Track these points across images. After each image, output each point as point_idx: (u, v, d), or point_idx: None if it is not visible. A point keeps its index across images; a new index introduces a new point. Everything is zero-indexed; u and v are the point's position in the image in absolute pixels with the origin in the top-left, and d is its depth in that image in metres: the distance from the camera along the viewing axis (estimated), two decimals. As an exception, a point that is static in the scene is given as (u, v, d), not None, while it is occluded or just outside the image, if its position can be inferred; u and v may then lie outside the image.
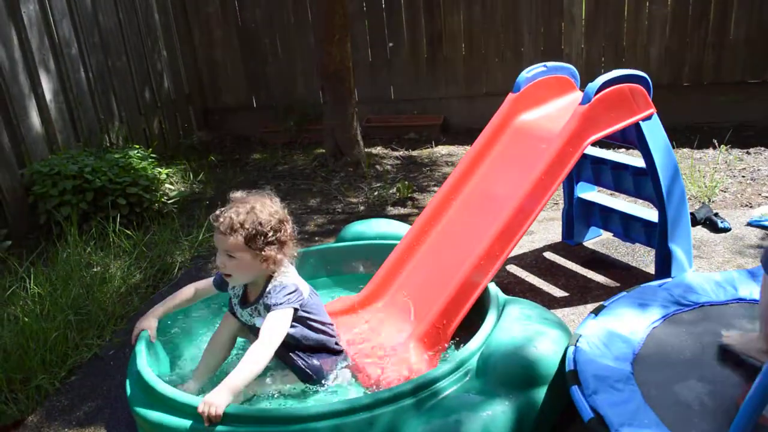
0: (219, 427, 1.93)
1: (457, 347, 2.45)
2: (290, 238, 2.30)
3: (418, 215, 2.94)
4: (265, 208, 2.24)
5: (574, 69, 3.14)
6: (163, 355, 2.52)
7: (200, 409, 1.93)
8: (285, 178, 5.00)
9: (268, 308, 2.22)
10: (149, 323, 2.44)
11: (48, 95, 4.56)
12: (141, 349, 2.32)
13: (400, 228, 3.14)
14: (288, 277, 2.32)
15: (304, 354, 2.34)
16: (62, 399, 2.59)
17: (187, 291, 2.51)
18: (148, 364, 2.23)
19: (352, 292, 2.94)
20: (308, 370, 2.33)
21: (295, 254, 2.36)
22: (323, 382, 2.35)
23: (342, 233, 3.23)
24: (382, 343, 2.56)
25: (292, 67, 6.23)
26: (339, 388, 2.38)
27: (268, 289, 2.27)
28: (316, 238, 3.88)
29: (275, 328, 2.18)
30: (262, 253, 2.20)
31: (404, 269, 2.85)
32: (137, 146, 4.77)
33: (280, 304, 2.22)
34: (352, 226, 3.23)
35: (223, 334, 2.44)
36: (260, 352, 2.09)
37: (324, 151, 5.29)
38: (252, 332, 2.38)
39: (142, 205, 4.18)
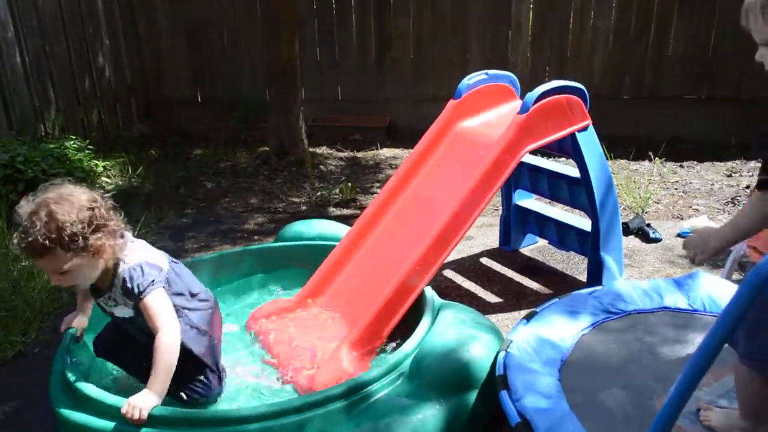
0: (144, 430, 1.89)
1: (393, 351, 2.46)
2: (108, 218, 2.00)
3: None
4: (61, 204, 1.92)
5: (515, 77, 3.20)
6: (89, 354, 2.45)
7: (124, 411, 1.89)
8: (227, 175, 4.93)
9: (132, 296, 2.03)
10: (80, 321, 2.30)
11: (-22, 80, 4.39)
12: (65, 348, 2.24)
13: (339, 229, 3.14)
14: (136, 253, 2.09)
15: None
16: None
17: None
18: (72, 363, 2.17)
19: (290, 292, 2.92)
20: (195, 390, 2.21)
21: (123, 226, 2.08)
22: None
23: (281, 233, 3.20)
24: (316, 345, 2.55)
25: (239, 63, 6.15)
26: (268, 390, 2.36)
27: (122, 276, 2.04)
28: (256, 237, 3.84)
29: (161, 310, 2.03)
30: (90, 249, 1.95)
31: (342, 271, 2.85)
32: (74, 137, 4.65)
33: (146, 289, 2.02)
34: (291, 225, 3.21)
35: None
36: (167, 342, 1.98)
37: (268, 149, 5.24)
38: (113, 319, 2.21)
39: (75, 198, 4.06)
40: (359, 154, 5.47)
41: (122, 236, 2.06)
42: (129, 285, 2.02)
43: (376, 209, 2.94)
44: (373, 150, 5.56)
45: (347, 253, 2.87)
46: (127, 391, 2.26)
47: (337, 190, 4.51)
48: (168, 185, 4.79)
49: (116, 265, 2.06)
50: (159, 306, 2.03)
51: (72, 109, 5.38)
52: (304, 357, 2.47)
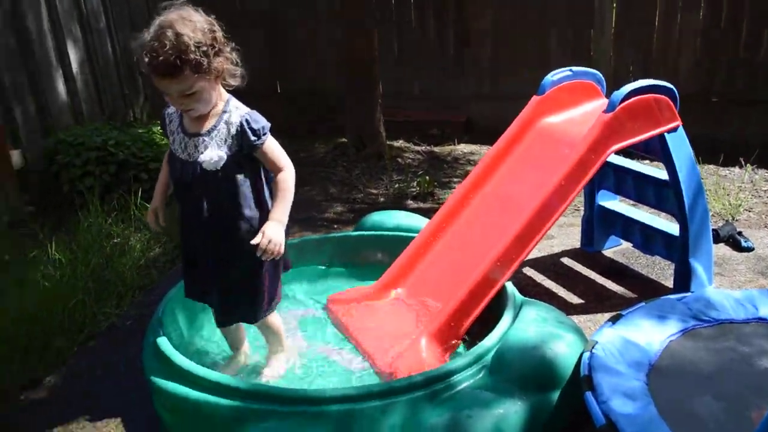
0: (229, 403, 1.94)
1: (469, 346, 2.45)
2: (224, 42, 2.02)
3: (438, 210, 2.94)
4: (186, 24, 1.91)
5: (600, 75, 3.12)
6: (183, 327, 2.54)
7: (259, 241, 1.96)
8: (306, 165, 5.00)
9: (247, 139, 2.01)
10: (156, 205, 2.24)
11: (75, 66, 4.59)
12: (158, 320, 2.33)
13: (419, 221, 3.14)
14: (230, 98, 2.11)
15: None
16: (79, 363, 2.63)
17: (165, 160, 2.22)
18: (164, 335, 2.25)
19: (367, 282, 2.94)
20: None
21: (234, 54, 2.07)
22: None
23: (361, 222, 3.24)
24: (395, 333, 2.57)
25: (318, 56, 6.23)
26: (347, 373, 2.39)
27: (238, 119, 2.02)
28: (335, 226, 3.89)
29: (281, 152, 2.10)
30: (213, 72, 1.97)
31: (420, 263, 2.85)
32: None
33: (266, 132, 2.05)
34: (371, 216, 3.24)
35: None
36: (290, 177, 2.08)
37: (346, 141, 5.30)
38: (189, 176, 2.06)
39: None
40: (436, 149, 5.46)
41: (237, 65, 2.07)
42: (250, 126, 2.01)
43: (456, 203, 2.93)
44: (450, 145, 5.54)
45: (426, 245, 2.87)
46: (214, 363, 2.36)
47: (415, 184, 4.52)
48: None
49: (226, 105, 2.06)
50: (278, 148, 2.10)
51: (158, 97, 5.55)
52: (384, 344, 2.49)
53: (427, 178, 4.53)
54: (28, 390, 2.47)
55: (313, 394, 1.95)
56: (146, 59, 1.88)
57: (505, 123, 3.02)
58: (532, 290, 3.12)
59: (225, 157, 2.01)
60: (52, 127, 4.32)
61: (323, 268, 3.05)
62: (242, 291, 2.18)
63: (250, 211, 2.09)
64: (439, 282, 2.72)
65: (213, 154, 2.01)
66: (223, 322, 2.31)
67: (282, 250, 2.01)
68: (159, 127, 4.51)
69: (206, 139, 2.02)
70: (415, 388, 1.96)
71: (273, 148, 2.07)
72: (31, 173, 4.13)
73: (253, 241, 1.97)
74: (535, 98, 3.01)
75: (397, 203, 4.25)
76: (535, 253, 3.43)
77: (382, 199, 4.36)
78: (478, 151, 5.42)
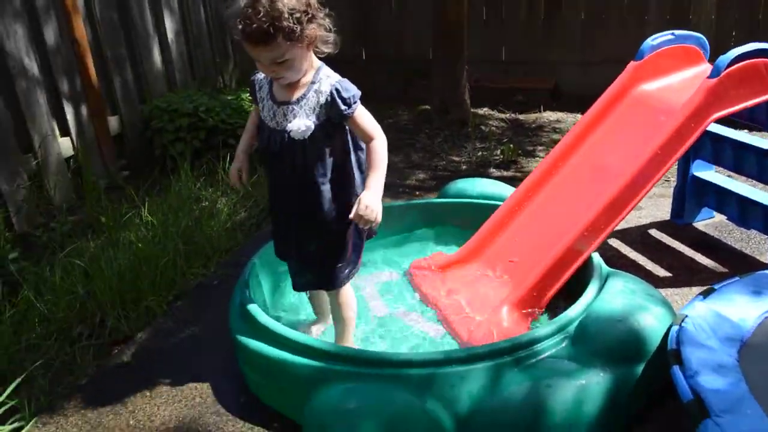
0: (314, 364, 1.99)
1: (552, 317, 2.42)
2: (318, 8, 1.98)
3: (522, 179, 2.89)
4: None
5: (704, 39, 2.97)
6: (268, 288, 2.62)
7: (361, 212, 1.92)
8: (389, 131, 4.94)
9: (337, 109, 1.96)
10: (239, 165, 2.25)
11: (170, 36, 4.74)
12: (245, 281, 2.41)
13: (503, 189, 3.11)
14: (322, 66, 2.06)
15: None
16: (168, 321, 2.76)
17: (251, 120, 2.26)
18: (251, 295, 2.33)
19: (450, 248, 2.94)
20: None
21: (328, 20, 2.02)
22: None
23: (444, 189, 3.23)
24: (476, 301, 2.57)
25: (403, 22, 6.19)
26: (427, 337, 2.41)
27: (329, 87, 1.98)
28: (417, 193, 3.90)
29: (372, 120, 2.04)
30: (306, 39, 1.93)
31: (505, 231, 2.83)
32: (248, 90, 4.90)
33: (357, 101, 2.00)
34: (455, 183, 3.22)
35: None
36: (382, 147, 2.02)
37: (429, 108, 5.27)
38: (277, 144, 2.05)
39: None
40: (521, 116, 5.35)
41: (329, 31, 2.02)
42: (340, 96, 1.97)
43: (544, 171, 2.87)
44: (536, 113, 5.42)
45: (511, 213, 2.84)
46: (298, 324, 2.42)
47: (499, 152, 4.46)
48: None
49: (316, 74, 2.03)
50: (369, 116, 2.03)
51: (247, 63, 5.67)
52: (465, 311, 2.50)
53: (511, 146, 4.46)
54: (120, 345, 2.61)
55: (395, 357, 1.98)
56: (239, 26, 1.85)
57: (595, 89, 2.93)
58: (617, 262, 3.04)
59: (312, 126, 1.99)
60: (147, 94, 4.50)
61: (406, 234, 3.06)
62: (323, 257, 2.19)
63: (337, 180, 2.08)
64: (523, 251, 2.69)
65: (301, 123, 1.99)
66: (300, 286, 2.34)
67: (380, 219, 1.96)
68: (247, 94, 4.62)
69: (295, 107, 2.01)
70: (496, 354, 1.96)
71: (363, 116, 2.02)
72: (127, 139, 4.32)
73: (351, 214, 1.94)
74: (632, 64, 2.90)
75: (479, 171, 4.21)
76: (622, 225, 3.29)
77: (464, 167, 4.33)
78: (565, 119, 5.28)
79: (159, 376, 2.41)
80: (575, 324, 2.12)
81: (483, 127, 5.03)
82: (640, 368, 2.05)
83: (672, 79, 2.91)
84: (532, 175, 2.89)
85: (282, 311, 2.61)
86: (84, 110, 3.97)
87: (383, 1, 6.20)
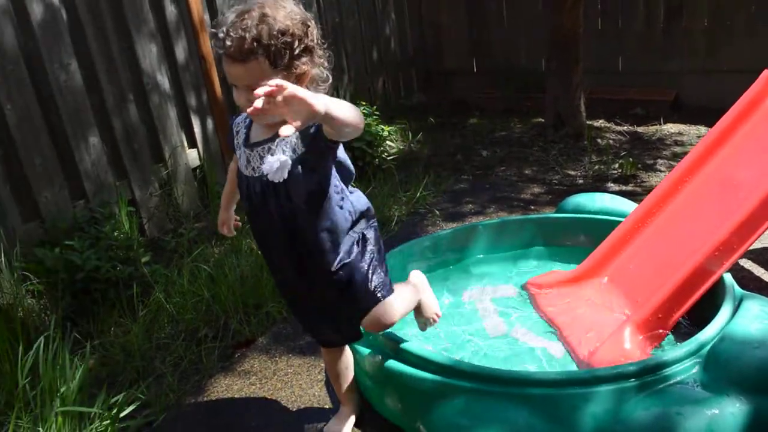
0: (430, 377, 1.98)
1: (679, 340, 2.31)
2: (317, 44, 1.70)
3: (642, 194, 2.78)
4: (277, 9, 1.62)
5: None
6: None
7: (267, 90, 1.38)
8: (501, 144, 4.97)
9: (306, 135, 1.67)
10: (223, 218, 2.12)
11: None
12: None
13: (624, 205, 3.00)
14: None
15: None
16: (287, 326, 2.84)
17: (231, 170, 2.02)
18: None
19: (567, 265, 2.87)
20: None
21: (326, 64, 1.75)
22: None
23: (562, 204, 3.15)
24: (596, 321, 2.49)
25: (516, 34, 6.14)
26: (546, 356, 2.35)
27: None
28: (532, 207, 3.83)
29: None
30: (294, 71, 1.65)
31: (626, 249, 2.73)
32: (363, 102, 4.99)
33: None
34: (573, 197, 3.14)
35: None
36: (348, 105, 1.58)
37: (543, 120, 5.18)
38: (255, 194, 1.75)
39: (364, 159, 4.37)
40: (640, 129, 5.16)
41: (326, 77, 1.75)
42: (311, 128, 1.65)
43: (669, 186, 2.75)
44: (655, 125, 5.20)
45: (634, 230, 2.74)
46: (405, 335, 2.42)
47: (617, 165, 4.31)
48: (445, 152, 4.98)
49: None
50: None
51: (361, 77, 5.80)
52: (586, 330, 2.42)
53: (630, 159, 4.30)
54: (242, 348, 2.71)
55: (516, 375, 1.94)
56: (220, 36, 1.60)
57: (721, 100, 2.79)
58: (750, 284, 2.85)
59: (288, 160, 1.67)
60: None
61: (523, 249, 3.01)
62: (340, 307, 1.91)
63: (330, 222, 1.76)
64: (646, 269, 2.59)
65: (273, 159, 1.67)
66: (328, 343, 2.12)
67: (287, 94, 1.39)
68: (361, 107, 4.71)
69: (271, 145, 1.69)
70: (622, 377, 1.88)
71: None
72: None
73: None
74: (766, 72, 2.73)
75: (596, 186, 4.09)
76: (756, 244, 3.12)
77: (580, 181, 4.22)
78: (687, 132, 5.04)
79: (278, 379, 2.49)
80: (707, 348, 2.01)
81: (599, 140, 4.88)
82: (782, 400, 1.91)
83: (812, 90, 2.72)
84: (656, 190, 2.78)
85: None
86: (210, 123, 4.18)
87: (496, 13, 6.17)
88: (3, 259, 2.87)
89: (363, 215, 1.88)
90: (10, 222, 3.06)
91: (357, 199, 1.88)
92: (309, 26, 1.68)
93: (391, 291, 1.89)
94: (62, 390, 2.14)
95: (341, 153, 1.79)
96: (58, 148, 3.33)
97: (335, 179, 1.78)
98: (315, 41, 1.70)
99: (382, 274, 1.89)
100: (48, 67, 3.24)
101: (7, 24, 3.07)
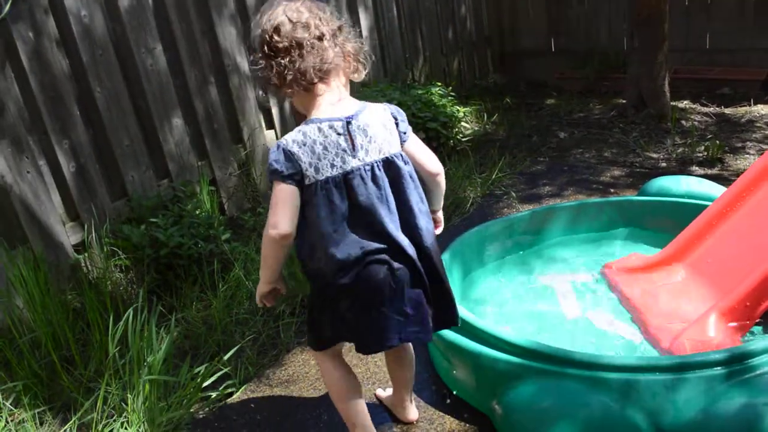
0: (505, 358, 1.97)
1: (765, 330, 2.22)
2: (287, 49, 1.64)
3: (729, 178, 2.67)
4: (267, 10, 1.68)
5: None
6: (458, 278, 2.65)
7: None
8: (579, 126, 4.85)
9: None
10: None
11: (364, 32, 4.92)
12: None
13: (712, 189, 2.88)
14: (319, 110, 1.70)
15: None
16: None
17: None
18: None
19: (648, 250, 2.79)
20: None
21: (326, 66, 1.67)
22: None
23: (645, 187, 3.06)
24: (680, 307, 2.41)
25: (596, 12, 5.95)
26: (623, 341, 2.30)
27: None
28: (611, 190, 3.73)
29: (273, 202, 1.67)
30: (266, 74, 1.68)
31: (713, 234, 2.63)
32: (438, 84, 4.96)
33: (268, 176, 1.68)
34: (657, 180, 3.04)
35: None
36: (264, 239, 1.70)
37: (624, 101, 5.02)
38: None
39: (439, 140, 4.35)
40: (728, 110, 4.92)
41: (319, 85, 1.69)
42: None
43: (760, 169, 2.63)
44: (744, 106, 4.96)
45: (722, 215, 2.63)
46: (485, 316, 2.40)
47: (702, 148, 4.13)
48: (521, 133, 4.90)
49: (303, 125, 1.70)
50: (276, 198, 1.67)
51: (436, 58, 5.76)
52: (667, 317, 2.35)
53: (717, 142, 4.11)
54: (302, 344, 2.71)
55: (595, 359, 1.90)
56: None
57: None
58: None
59: None
60: (343, 88, 4.71)
61: (603, 232, 2.94)
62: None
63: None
64: (733, 255, 2.48)
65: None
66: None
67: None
68: (437, 89, 4.69)
69: None
70: (707, 365, 1.82)
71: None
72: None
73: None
74: None
75: (680, 169, 3.93)
76: None
77: (663, 164, 4.07)
78: (780, 112, 4.79)
79: (354, 355, 2.51)
80: (799, 340, 1.92)
81: (684, 122, 4.69)
82: None
83: None
84: (746, 173, 2.66)
85: (471, 302, 2.62)
86: (287, 105, 4.24)
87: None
88: (94, 235, 3.02)
89: None
90: (99, 200, 3.21)
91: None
92: (282, 26, 1.64)
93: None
94: (149, 360, 2.24)
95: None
96: (144, 130, 3.46)
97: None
98: (284, 47, 1.64)
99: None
100: (135, 51, 3.36)
101: (97, 11, 3.19)
